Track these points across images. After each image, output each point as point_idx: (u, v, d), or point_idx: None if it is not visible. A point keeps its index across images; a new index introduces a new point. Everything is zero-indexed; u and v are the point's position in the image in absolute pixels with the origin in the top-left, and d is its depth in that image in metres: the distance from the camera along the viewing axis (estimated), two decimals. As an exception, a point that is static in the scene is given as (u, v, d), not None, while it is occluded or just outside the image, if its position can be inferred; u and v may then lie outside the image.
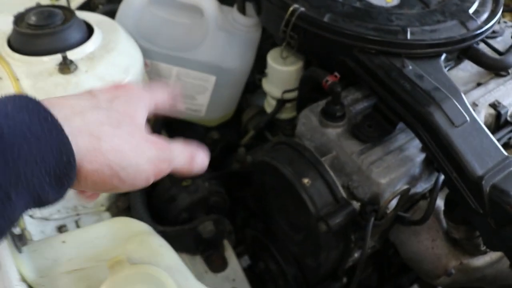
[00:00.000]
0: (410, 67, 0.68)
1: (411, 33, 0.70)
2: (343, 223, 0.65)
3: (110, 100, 0.38)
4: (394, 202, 0.64)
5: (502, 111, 0.78)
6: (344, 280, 0.81)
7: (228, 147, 0.95)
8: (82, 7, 0.87)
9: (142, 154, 0.37)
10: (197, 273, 0.80)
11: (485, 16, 0.76)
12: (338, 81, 0.70)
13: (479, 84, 0.81)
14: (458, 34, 0.71)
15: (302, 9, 0.71)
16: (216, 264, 0.81)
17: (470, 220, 0.67)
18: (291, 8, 0.71)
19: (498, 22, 0.95)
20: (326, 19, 0.70)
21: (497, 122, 0.79)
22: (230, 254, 0.84)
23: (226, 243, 0.84)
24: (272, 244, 0.82)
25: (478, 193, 0.60)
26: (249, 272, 0.85)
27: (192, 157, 0.41)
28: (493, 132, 0.77)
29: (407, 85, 0.66)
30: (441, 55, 0.71)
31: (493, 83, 0.82)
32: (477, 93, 0.80)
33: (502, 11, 1.07)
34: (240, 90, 0.92)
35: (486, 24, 0.74)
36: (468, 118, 0.64)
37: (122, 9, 0.82)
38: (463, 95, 0.67)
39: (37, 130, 0.30)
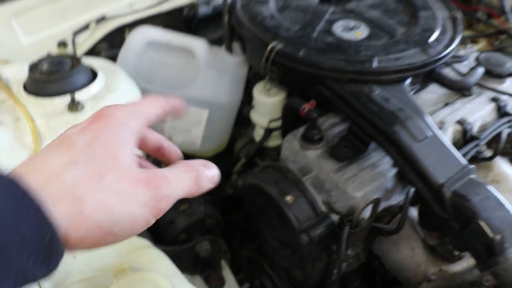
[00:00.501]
0: (377, 92, 0.78)
1: (378, 62, 0.81)
2: (323, 234, 0.74)
3: (88, 144, 0.35)
4: (367, 212, 0.73)
5: (468, 128, 0.87)
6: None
7: (223, 176, 1.04)
8: (87, 53, 0.99)
9: (134, 200, 0.34)
10: (197, 291, 0.88)
11: (444, 43, 0.86)
12: (313, 108, 0.80)
13: (446, 104, 0.91)
14: (419, 60, 0.82)
15: (280, 46, 0.82)
16: (214, 283, 0.89)
17: (439, 226, 0.75)
18: (269, 46, 0.82)
19: (464, 47, 1.06)
20: (301, 54, 0.81)
21: (464, 138, 0.88)
22: (227, 273, 0.92)
23: (223, 263, 0.92)
24: (265, 261, 0.90)
25: (441, 199, 0.69)
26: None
27: (197, 179, 0.39)
28: (460, 146, 0.86)
29: (374, 107, 0.76)
30: (405, 79, 0.81)
31: (459, 103, 0.91)
32: (444, 112, 0.89)
33: (477, 37, 1.19)
34: (232, 122, 1.03)
35: (445, 50, 0.84)
36: (429, 134, 0.73)
37: (122, 54, 0.94)
38: (425, 114, 0.76)
39: (14, 213, 0.28)
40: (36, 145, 0.68)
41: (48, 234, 0.30)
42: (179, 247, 0.81)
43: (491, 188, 0.69)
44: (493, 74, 0.93)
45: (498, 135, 0.89)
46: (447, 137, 0.86)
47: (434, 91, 0.93)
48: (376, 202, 0.72)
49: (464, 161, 0.72)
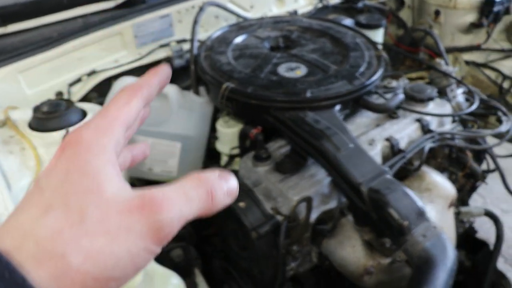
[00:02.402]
0: (310, 116, 1.02)
1: (311, 93, 1.05)
2: (270, 230, 0.94)
3: (60, 183, 0.32)
4: (302, 209, 0.94)
5: (394, 143, 1.09)
6: (290, 289, 1.08)
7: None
8: (80, 101, 1.24)
9: (129, 234, 0.31)
10: (173, 294, 1.07)
11: (367, 76, 1.11)
12: (260, 132, 1.04)
13: (377, 125, 1.14)
14: (345, 90, 1.06)
15: (232, 85, 1.07)
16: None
17: (364, 219, 0.95)
18: (224, 86, 1.07)
19: (397, 79, 1.31)
20: (249, 90, 1.06)
21: (392, 151, 1.10)
22: (200, 280, 1.11)
23: (196, 271, 1.12)
24: (232, 267, 1.09)
25: (360, 195, 0.90)
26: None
27: (210, 195, 0.35)
28: (389, 158, 1.08)
29: (307, 128, 0.99)
30: (334, 105, 1.05)
31: (388, 124, 1.14)
32: (375, 132, 1.12)
33: (410, 72, 1.45)
34: (202, 153, 1.25)
35: (367, 81, 1.09)
36: (351, 146, 0.96)
37: (108, 99, 1.19)
38: (349, 132, 0.99)
39: None
40: (38, 167, 0.91)
41: None
42: (155, 251, 1.02)
43: (399, 183, 0.90)
44: (416, 99, 1.17)
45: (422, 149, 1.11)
46: (377, 151, 1.09)
47: (368, 116, 1.17)
48: (308, 200, 0.93)
49: (380, 165, 0.94)
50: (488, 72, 1.60)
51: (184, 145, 1.20)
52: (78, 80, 1.23)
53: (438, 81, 1.31)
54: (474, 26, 1.57)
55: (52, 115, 0.99)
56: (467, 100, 1.36)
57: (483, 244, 1.45)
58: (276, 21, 1.34)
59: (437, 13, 1.62)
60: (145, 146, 0.49)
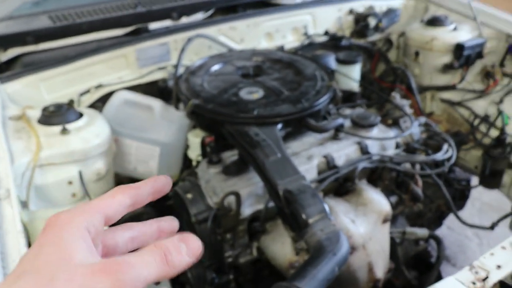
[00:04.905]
0: (253, 130, 1.32)
1: (257, 112, 1.35)
2: (206, 217, 1.24)
3: (36, 254, 0.39)
4: (231, 203, 1.23)
5: (330, 160, 1.36)
6: (231, 276, 1.35)
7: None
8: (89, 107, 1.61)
9: None
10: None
11: (310, 102, 1.39)
12: (212, 141, 1.35)
13: (320, 144, 1.42)
14: (286, 111, 1.35)
15: (197, 101, 1.40)
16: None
17: (283, 217, 1.22)
18: (190, 102, 1.40)
19: (355, 109, 1.58)
20: (209, 107, 1.38)
21: (328, 167, 1.37)
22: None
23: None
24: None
25: (277, 194, 1.18)
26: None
27: (164, 258, 0.41)
28: (324, 172, 1.35)
29: (247, 139, 1.29)
30: (276, 123, 1.34)
31: (330, 143, 1.42)
32: (316, 149, 1.40)
33: (369, 104, 1.70)
34: (180, 158, 1.58)
35: (309, 106, 1.37)
36: (279, 155, 1.24)
37: (106, 107, 1.55)
38: (282, 145, 1.27)
39: None
40: (37, 149, 1.27)
41: None
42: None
43: (312, 188, 1.17)
44: (359, 125, 1.44)
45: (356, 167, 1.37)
46: (313, 165, 1.36)
47: (315, 136, 1.45)
48: (237, 195, 1.22)
49: (299, 174, 1.21)
50: (462, 110, 1.82)
51: (162, 150, 1.54)
52: (87, 91, 1.61)
53: (391, 113, 1.57)
54: (447, 67, 1.81)
55: (55, 114, 1.36)
56: (427, 131, 1.61)
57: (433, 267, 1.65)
58: (253, 54, 1.66)
59: (416, 54, 1.87)
60: (172, 220, 0.55)
